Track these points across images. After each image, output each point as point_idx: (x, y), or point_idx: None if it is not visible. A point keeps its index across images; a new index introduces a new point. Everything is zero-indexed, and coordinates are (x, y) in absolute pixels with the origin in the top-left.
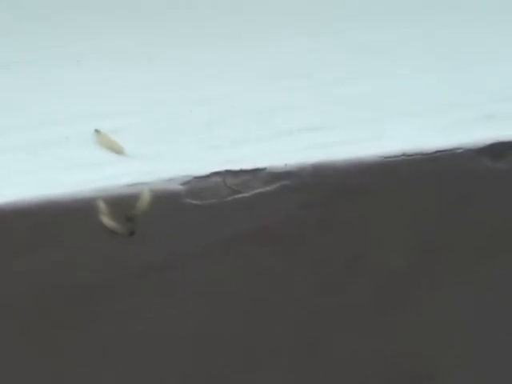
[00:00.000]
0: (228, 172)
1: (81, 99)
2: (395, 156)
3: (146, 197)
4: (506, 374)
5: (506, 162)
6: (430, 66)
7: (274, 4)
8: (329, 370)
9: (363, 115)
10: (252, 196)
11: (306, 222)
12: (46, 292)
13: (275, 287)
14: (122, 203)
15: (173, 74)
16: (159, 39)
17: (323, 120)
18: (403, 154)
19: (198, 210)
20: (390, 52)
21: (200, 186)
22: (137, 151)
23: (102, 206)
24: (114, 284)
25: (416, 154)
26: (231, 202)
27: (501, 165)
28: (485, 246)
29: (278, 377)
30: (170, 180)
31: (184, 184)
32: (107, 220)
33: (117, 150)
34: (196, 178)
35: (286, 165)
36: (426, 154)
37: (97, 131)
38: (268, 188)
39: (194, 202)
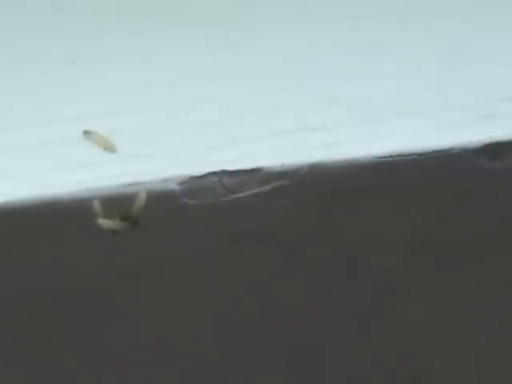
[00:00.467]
0: (224, 172)
1: (77, 99)
2: (391, 156)
3: (142, 197)
4: (504, 371)
5: (503, 162)
6: (427, 66)
7: (271, 4)
8: (327, 370)
9: (360, 115)
10: (248, 196)
11: (303, 222)
12: (42, 292)
13: (272, 287)
14: (119, 203)
15: (169, 75)
16: (156, 39)
17: (320, 120)
18: (399, 155)
19: (195, 210)
20: (386, 52)
21: (196, 186)
22: (133, 151)
23: (98, 206)
24: (110, 284)
25: (412, 154)
26: (228, 202)
27: (497, 164)
28: (482, 245)
29: (276, 377)
30: (166, 180)
31: (180, 184)
32: (103, 220)
33: (108, 148)
34: (192, 177)
35: (282, 165)
36: (423, 154)
37: (86, 132)
38: (264, 188)
39: (190, 201)
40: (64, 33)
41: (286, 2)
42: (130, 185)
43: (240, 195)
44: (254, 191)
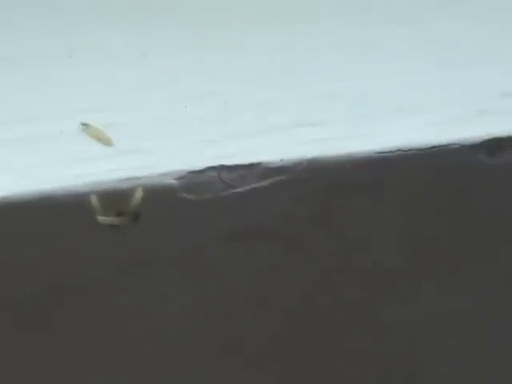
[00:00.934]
0: (223, 167)
1: (75, 94)
2: (390, 151)
3: (139, 192)
4: (501, 369)
5: (501, 158)
6: (426, 62)
7: (270, 1)
8: (323, 367)
9: (358, 111)
10: (247, 191)
11: (301, 217)
12: (39, 287)
13: (270, 283)
14: (117, 198)
15: (167, 70)
16: (153, 35)
17: (318, 116)
18: (398, 150)
19: (193, 205)
20: (385, 49)
21: (195, 181)
22: (132, 146)
23: (96, 201)
24: (108, 279)
25: (411, 150)
26: (226, 197)
27: (496, 160)
28: (480, 241)
29: (272, 373)
30: (164, 174)
31: (179, 179)
32: (100, 215)
33: (105, 141)
34: (191, 172)
35: (281, 160)
36: (422, 150)
37: (84, 125)
38: (263, 183)
39: (188, 196)
40: (62, 28)
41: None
42: (128, 179)
43: (239, 190)
44: (253, 186)
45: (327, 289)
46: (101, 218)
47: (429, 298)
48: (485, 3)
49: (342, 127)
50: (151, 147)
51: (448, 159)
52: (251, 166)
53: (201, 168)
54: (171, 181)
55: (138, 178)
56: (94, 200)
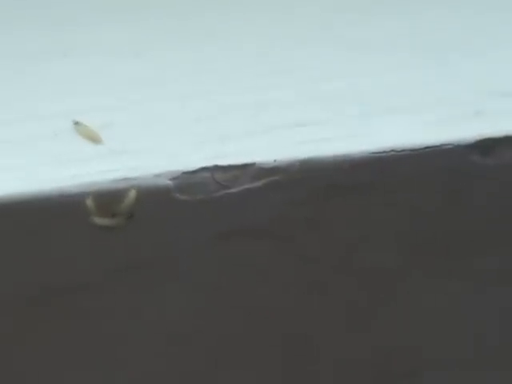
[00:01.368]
0: (217, 167)
1: (68, 93)
2: (384, 152)
3: (133, 192)
4: (500, 367)
5: (495, 158)
6: (419, 61)
7: None
8: (320, 366)
9: (352, 111)
10: (241, 191)
11: (295, 218)
12: (31, 289)
13: (264, 284)
14: (110, 199)
15: (161, 69)
16: (148, 34)
17: (312, 116)
18: (392, 150)
19: (187, 206)
20: (378, 47)
21: (188, 182)
22: (125, 146)
23: (89, 202)
24: (101, 280)
25: (405, 150)
26: (220, 198)
27: (489, 160)
28: (474, 241)
29: (265, 374)
30: (158, 175)
31: (172, 179)
32: (94, 216)
33: (94, 139)
34: (184, 173)
35: (275, 160)
36: (415, 150)
37: (76, 123)
38: (257, 183)
39: (182, 197)
40: (55, 26)
41: None
42: (122, 180)
43: (232, 190)
44: (247, 186)
45: (322, 289)
46: (95, 219)
47: (425, 298)
48: (476, 1)
49: (335, 127)
50: (144, 148)
51: (441, 159)
52: (245, 166)
53: (194, 168)
54: (165, 181)
55: (132, 179)
56: (88, 201)
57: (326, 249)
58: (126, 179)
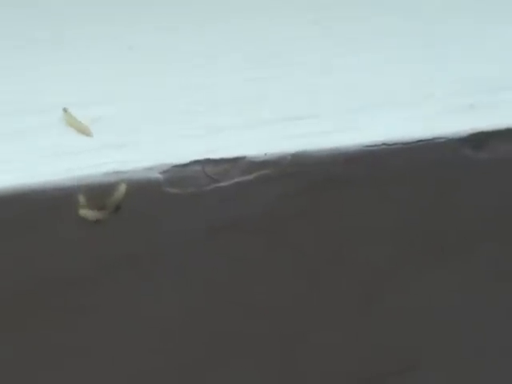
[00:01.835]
0: (208, 160)
1: (60, 87)
2: (376, 145)
3: (123, 186)
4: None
5: (487, 152)
6: (412, 55)
7: None
8: (312, 362)
9: (344, 105)
10: (231, 185)
11: (286, 211)
12: (20, 283)
13: (255, 278)
14: (100, 192)
15: (153, 63)
16: (140, 27)
17: (304, 109)
18: (383, 144)
19: (177, 199)
20: (371, 42)
21: (179, 175)
22: (115, 139)
23: (80, 196)
24: (92, 274)
25: (397, 144)
26: (210, 191)
27: (482, 154)
28: (468, 234)
29: (259, 368)
30: (149, 168)
31: (163, 172)
32: (84, 210)
33: (83, 131)
34: (175, 166)
35: (265, 154)
36: (407, 144)
37: (65, 110)
38: (247, 177)
39: (172, 190)
40: (47, 19)
41: None
42: (112, 173)
43: (223, 184)
44: (237, 180)
45: (315, 284)
46: (83, 212)
47: (419, 292)
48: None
49: (327, 121)
50: (135, 141)
51: (434, 153)
52: (235, 159)
53: (185, 162)
54: (156, 175)
55: (123, 172)
56: (79, 194)
57: (318, 242)
58: (116, 172)
